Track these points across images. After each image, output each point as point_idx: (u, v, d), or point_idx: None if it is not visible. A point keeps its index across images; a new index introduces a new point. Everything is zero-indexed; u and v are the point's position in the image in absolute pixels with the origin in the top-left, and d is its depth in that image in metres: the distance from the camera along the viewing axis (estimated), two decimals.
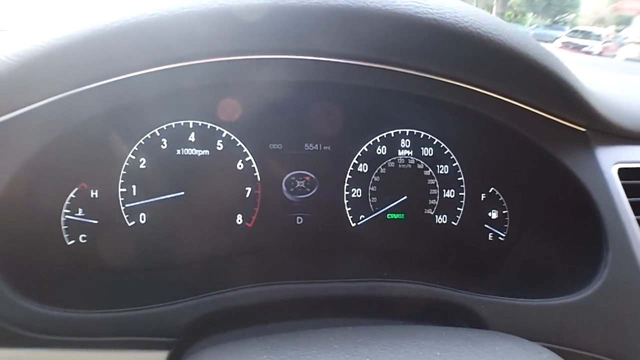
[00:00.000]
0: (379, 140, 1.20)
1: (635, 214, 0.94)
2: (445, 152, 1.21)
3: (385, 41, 0.84)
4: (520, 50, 0.84)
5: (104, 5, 0.78)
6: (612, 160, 0.98)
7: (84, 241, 1.09)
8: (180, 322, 0.88)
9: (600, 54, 17.57)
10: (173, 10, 0.74)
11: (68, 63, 0.77)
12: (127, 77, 0.82)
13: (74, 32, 0.74)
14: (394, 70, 0.90)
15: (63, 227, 1.07)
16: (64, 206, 1.07)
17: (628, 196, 0.95)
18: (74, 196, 1.07)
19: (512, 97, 0.93)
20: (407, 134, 1.20)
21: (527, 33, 0.96)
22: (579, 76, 0.94)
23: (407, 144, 1.21)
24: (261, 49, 0.85)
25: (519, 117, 0.95)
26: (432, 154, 1.21)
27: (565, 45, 18.01)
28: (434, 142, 1.21)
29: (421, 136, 1.20)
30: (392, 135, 1.20)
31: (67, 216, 1.07)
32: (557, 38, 19.76)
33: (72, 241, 1.08)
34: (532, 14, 40.56)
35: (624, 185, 0.96)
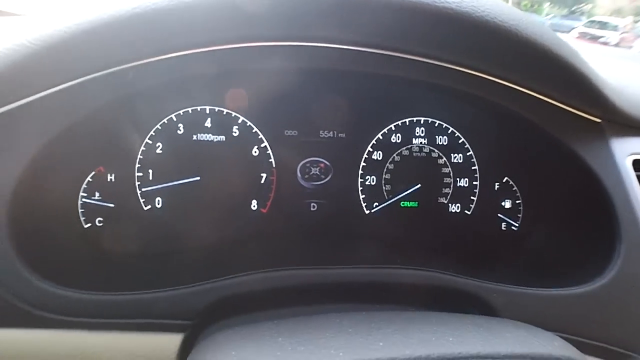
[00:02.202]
0: (393, 128, 1.20)
1: None
2: (460, 141, 1.21)
3: (402, 29, 0.84)
4: (536, 40, 0.83)
5: None
6: (627, 151, 0.98)
7: (100, 224, 1.10)
8: (195, 306, 0.89)
9: (617, 45, 17.30)
10: None
11: (88, 48, 0.78)
12: (143, 63, 0.83)
13: (96, 17, 0.75)
14: (410, 58, 0.90)
15: (80, 211, 1.08)
16: (81, 189, 1.08)
17: None
18: (90, 180, 1.09)
19: (527, 86, 0.93)
20: (422, 122, 1.20)
21: (544, 23, 0.95)
22: (595, 67, 0.94)
23: (422, 133, 1.21)
24: (275, 36, 0.86)
25: (534, 107, 0.95)
26: (446, 142, 1.21)
27: (582, 35, 17.74)
28: (449, 131, 1.21)
29: (436, 125, 1.21)
30: (407, 123, 1.20)
31: (84, 199, 1.09)
32: (573, 28, 19.44)
33: (89, 224, 1.09)
34: (548, 3, 40.02)
35: (638, 177, 0.95)
